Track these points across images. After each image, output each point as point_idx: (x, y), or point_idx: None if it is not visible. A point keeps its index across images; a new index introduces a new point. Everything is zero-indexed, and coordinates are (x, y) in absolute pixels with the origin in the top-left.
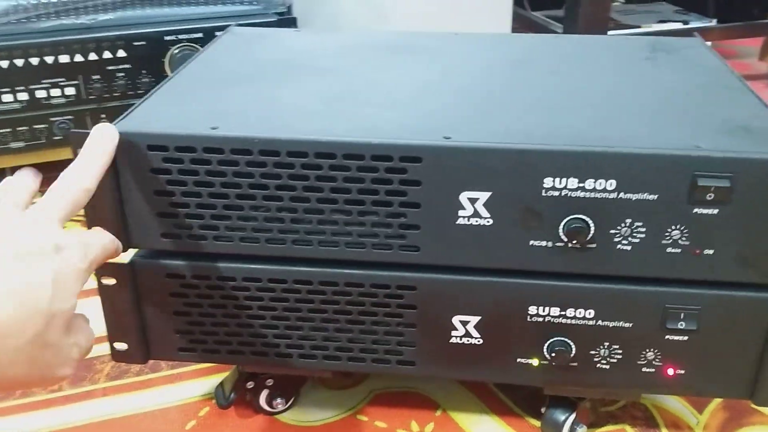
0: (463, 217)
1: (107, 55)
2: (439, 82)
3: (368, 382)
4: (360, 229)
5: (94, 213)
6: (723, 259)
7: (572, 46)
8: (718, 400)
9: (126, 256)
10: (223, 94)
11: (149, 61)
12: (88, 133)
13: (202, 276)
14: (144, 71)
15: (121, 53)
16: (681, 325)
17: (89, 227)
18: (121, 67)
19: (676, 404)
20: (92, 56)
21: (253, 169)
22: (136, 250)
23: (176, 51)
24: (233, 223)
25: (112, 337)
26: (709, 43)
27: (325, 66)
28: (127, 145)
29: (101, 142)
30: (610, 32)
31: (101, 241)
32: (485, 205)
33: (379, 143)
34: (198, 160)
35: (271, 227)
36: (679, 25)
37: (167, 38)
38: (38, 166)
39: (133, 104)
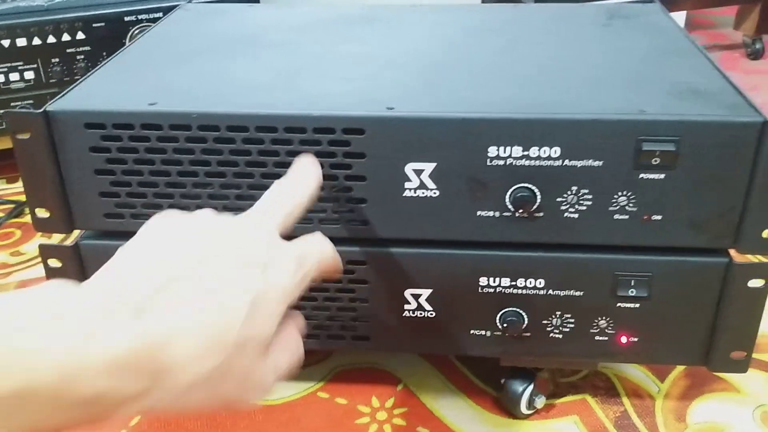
0: (410, 189)
1: (66, 37)
2: (390, 54)
3: (331, 360)
4: None
5: (35, 195)
6: (672, 224)
7: (530, 15)
8: (679, 369)
9: (70, 239)
10: (167, 71)
11: (109, 42)
12: (24, 113)
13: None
14: (105, 53)
15: (80, 35)
16: (632, 292)
17: (31, 210)
18: (80, 49)
19: (637, 373)
20: (51, 39)
21: (193, 145)
22: (80, 231)
23: (137, 31)
24: (176, 201)
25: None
26: (684, 13)
27: (277, 40)
28: (64, 124)
29: (310, 167)
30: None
31: (320, 254)
32: (431, 176)
33: (321, 115)
34: (137, 137)
35: (215, 204)
36: None
37: (127, 18)
38: (1, 153)
39: None
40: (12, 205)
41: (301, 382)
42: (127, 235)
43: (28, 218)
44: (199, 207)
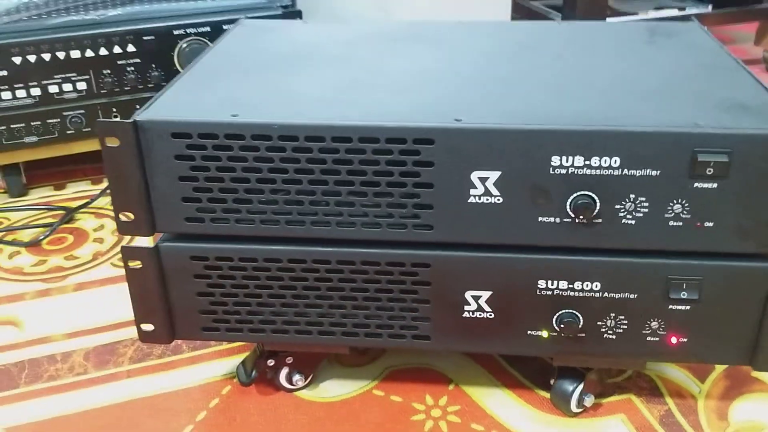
0: (474, 195)
1: (117, 50)
2: (446, 68)
3: (383, 360)
4: (376, 210)
5: (120, 199)
6: (722, 231)
7: (573, 31)
8: (719, 370)
9: (152, 240)
10: (239, 84)
11: (158, 55)
12: (115, 122)
13: (225, 258)
14: (153, 65)
15: (130, 48)
16: (683, 295)
17: (116, 214)
18: (130, 61)
19: (679, 374)
20: (102, 51)
21: (272, 154)
22: (161, 234)
23: (185, 45)
24: (254, 207)
25: (139, 319)
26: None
27: (335, 56)
28: (152, 133)
29: None
30: (608, 19)
31: None
32: (495, 184)
33: (393, 126)
34: (220, 147)
35: (290, 209)
36: (675, 12)
37: (176, 32)
38: (51, 160)
39: (143, 98)
40: (63, 212)
41: (356, 380)
42: (206, 238)
43: (78, 224)
44: (275, 212)
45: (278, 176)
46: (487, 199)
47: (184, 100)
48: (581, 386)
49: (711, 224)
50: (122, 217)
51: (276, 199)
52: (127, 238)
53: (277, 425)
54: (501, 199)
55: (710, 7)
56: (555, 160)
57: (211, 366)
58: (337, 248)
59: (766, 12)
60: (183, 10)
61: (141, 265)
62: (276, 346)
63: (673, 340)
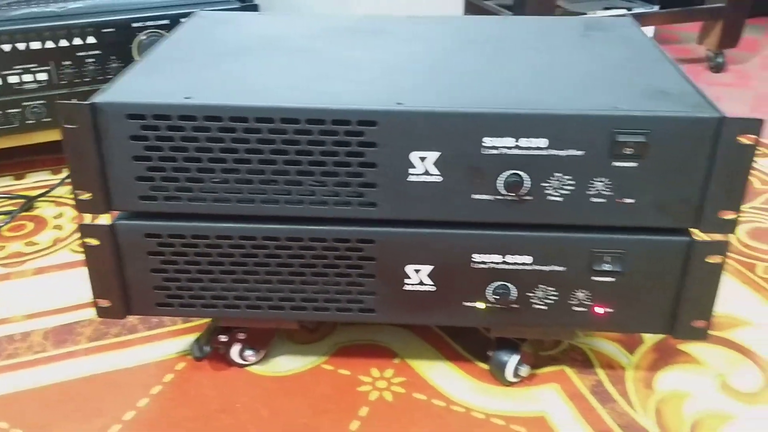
0: (415, 174)
1: (77, 41)
2: (393, 58)
3: (332, 337)
4: (323, 189)
5: (78, 178)
6: (642, 207)
7: (514, 26)
8: (648, 343)
9: (109, 218)
10: (193, 71)
11: (118, 47)
12: (73, 104)
13: (178, 235)
14: (113, 57)
15: (91, 40)
16: (606, 267)
17: (74, 191)
18: (91, 53)
19: (610, 347)
20: (63, 43)
21: (224, 135)
22: (117, 212)
23: (144, 37)
24: (206, 185)
25: (96, 295)
26: (652, 28)
27: (288, 45)
28: (109, 115)
29: None
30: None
31: None
32: (434, 163)
33: (339, 108)
34: (173, 127)
35: (241, 188)
36: (623, 11)
37: (135, 25)
38: (11, 150)
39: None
40: (23, 200)
41: (306, 356)
42: (160, 216)
43: (38, 212)
44: (226, 191)
45: (229, 156)
46: (427, 178)
47: (139, 85)
48: (517, 357)
49: (631, 201)
50: (80, 196)
51: (227, 178)
52: (86, 217)
53: (230, 397)
54: (440, 178)
55: (657, 7)
56: (487, 141)
57: (166, 344)
58: (286, 225)
59: (708, 12)
60: (142, 4)
61: (98, 243)
62: (228, 321)
63: (599, 310)
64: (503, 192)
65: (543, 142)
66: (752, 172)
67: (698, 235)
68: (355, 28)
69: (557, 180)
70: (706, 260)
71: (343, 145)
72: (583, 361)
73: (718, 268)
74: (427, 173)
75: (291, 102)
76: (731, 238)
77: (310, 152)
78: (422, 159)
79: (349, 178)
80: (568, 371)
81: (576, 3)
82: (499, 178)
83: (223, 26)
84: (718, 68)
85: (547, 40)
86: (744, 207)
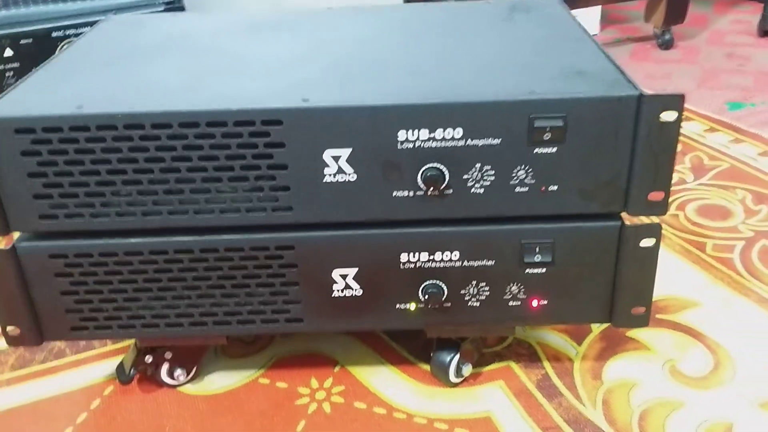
0: (329, 174)
1: None
2: (305, 53)
3: (270, 349)
4: (233, 195)
5: None
6: (567, 193)
7: (437, 13)
8: (596, 333)
9: (4, 243)
10: (92, 77)
11: (38, 58)
12: None
13: (85, 254)
14: (33, 68)
15: (8, 52)
16: (537, 258)
17: None
18: (9, 66)
19: (557, 339)
20: None
21: (120, 144)
22: (17, 234)
23: (65, 46)
24: (108, 199)
25: (3, 323)
26: (599, 8)
27: (196, 45)
28: None
29: None
30: None
31: None
32: (348, 161)
33: (240, 109)
34: (66, 140)
35: (145, 200)
36: None
37: (54, 35)
38: None
39: None
40: None
41: (242, 370)
42: (63, 235)
43: None
44: (129, 204)
45: (129, 166)
46: (342, 177)
47: (31, 96)
48: (457, 356)
49: (555, 188)
50: None
51: (129, 190)
52: None
53: (159, 421)
54: (355, 176)
55: None
56: (401, 135)
57: (94, 368)
58: (197, 237)
59: None
60: (62, 12)
61: None
62: (150, 341)
63: (534, 303)
64: (423, 187)
65: (459, 133)
66: (701, 147)
67: (629, 218)
68: (271, 23)
69: (477, 171)
70: (640, 244)
71: (249, 147)
72: (529, 355)
73: (653, 252)
74: (341, 172)
75: (189, 105)
76: (679, 216)
77: (215, 157)
78: (335, 158)
79: (260, 182)
80: (514, 366)
81: None
82: (417, 173)
83: (133, 30)
84: (666, 45)
85: (467, 26)
86: (692, 184)
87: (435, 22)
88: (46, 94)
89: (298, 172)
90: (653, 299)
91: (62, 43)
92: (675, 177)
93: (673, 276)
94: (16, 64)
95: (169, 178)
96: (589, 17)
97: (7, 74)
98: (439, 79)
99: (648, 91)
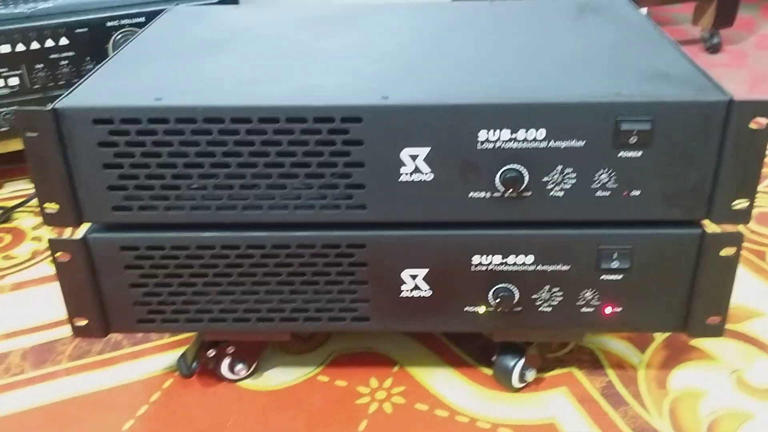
0: (405, 173)
1: (50, 43)
2: (376, 48)
3: (327, 346)
4: (308, 192)
5: (45, 190)
6: (649, 199)
7: (503, 11)
8: (659, 340)
9: (79, 231)
10: (165, 69)
11: (92, 47)
12: (33, 110)
13: (156, 247)
14: (88, 58)
15: (63, 41)
16: (615, 264)
17: (40, 204)
18: (64, 55)
19: (619, 346)
20: (34, 45)
21: (199, 137)
22: (89, 224)
23: (119, 36)
24: (183, 192)
25: (71, 313)
26: (645, 9)
27: (264, 39)
28: (73, 120)
29: None
30: None
31: None
32: (425, 160)
33: (320, 105)
34: (144, 131)
35: (220, 194)
36: None
37: (109, 24)
38: None
39: None
40: (0, 211)
41: (300, 367)
42: (135, 227)
43: (16, 223)
44: (205, 198)
45: (206, 160)
46: (418, 177)
47: (107, 86)
48: (522, 361)
49: (638, 193)
50: (47, 209)
51: (205, 184)
52: (56, 229)
53: (219, 415)
54: (432, 176)
55: None
56: (482, 135)
57: (152, 360)
58: (271, 232)
59: None
60: (116, 1)
61: (70, 258)
62: (215, 335)
63: (608, 310)
64: (501, 189)
65: (541, 134)
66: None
67: (710, 226)
68: (333, 17)
69: (558, 173)
70: (720, 253)
71: (327, 144)
72: (591, 361)
73: (732, 261)
74: (418, 171)
75: (269, 100)
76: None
77: (293, 153)
78: (413, 157)
79: (336, 179)
80: (577, 373)
81: None
82: (496, 174)
83: (197, 21)
84: (714, 49)
85: (539, 24)
86: None
87: (503, 19)
88: (122, 84)
89: (374, 170)
90: None
91: (116, 33)
92: None
93: (736, 285)
94: (71, 53)
95: (246, 173)
96: None
97: (61, 63)
98: (520, 78)
99: (739, 97)
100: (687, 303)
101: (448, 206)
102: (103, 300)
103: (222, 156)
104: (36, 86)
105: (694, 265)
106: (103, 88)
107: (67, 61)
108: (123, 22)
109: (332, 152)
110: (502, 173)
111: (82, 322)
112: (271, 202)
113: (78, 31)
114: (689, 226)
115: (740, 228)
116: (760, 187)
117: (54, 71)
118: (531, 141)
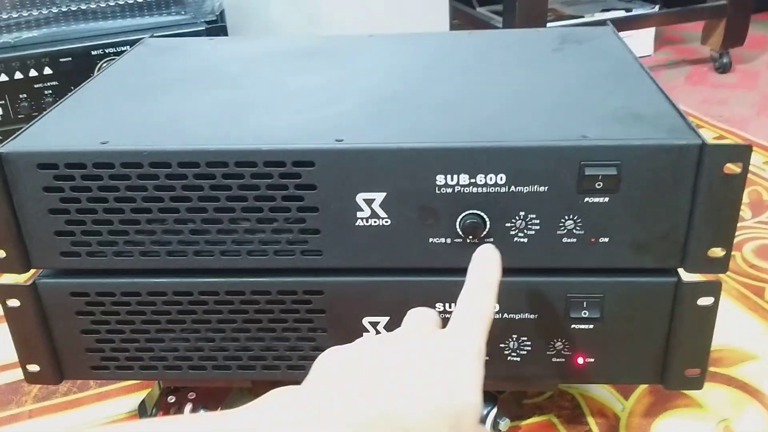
0: (362, 218)
1: (33, 73)
2: (341, 85)
3: None
4: (261, 237)
5: None
6: (618, 246)
7: (484, 42)
8: (643, 386)
9: (29, 277)
10: (121, 107)
11: (77, 76)
12: None
13: (106, 293)
14: (72, 87)
15: (47, 71)
16: (585, 313)
17: None
18: (48, 84)
19: (602, 392)
20: (18, 75)
21: (145, 182)
22: (37, 271)
23: (104, 65)
24: (132, 238)
25: (22, 360)
26: (652, 30)
27: (231, 75)
28: (17, 165)
29: (490, 264)
30: (550, 24)
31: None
32: (381, 205)
33: (270, 149)
34: (89, 176)
35: (170, 240)
36: (621, 13)
37: (94, 53)
38: None
39: None
40: None
41: None
42: (84, 272)
43: None
44: (153, 243)
45: (153, 205)
46: (375, 222)
47: (55, 129)
48: (495, 410)
49: (606, 240)
50: None
51: (154, 229)
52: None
53: None
54: (389, 221)
55: (657, 7)
56: (440, 179)
57: (117, 402)
58: (224, 278)
59: (711, 11)
60: (101, 30)
61: (19, 304)
62: (172, 382)
63: (580, 360)
64: (462, 234)
65: (501, 179)
66: (760, 181)
67: (687, 274)
68: (310, 51)
69: (521, 219)
70: (697, 303)
71: (278, 188)
72: (572, 408)
73: (711, 311)
74: (375, 216)
75: (217, 143)
76: (736, 257)
77: (243, 198)
78: (368, 201)
79: (289, 224)
80: (555, 421)
81: (572, 5)
82: (456, 220)
83: (168, 55)
84: (723, 69)
85: (515, 58)
86: (750, 222)
87: (483, 52)
88: (72, 126)
89: (329, 215)
90: None
91: (101, 62)
92: None
93: (728, 324)
94: (54, 83)
95: (195, 218)
96: (643, 37)
97: (45, 92)
98: (483, 119)
99: (711, 141)
100: (663, 354)
101: (408, 252)
102: (55, 346)
103: (170, 201)
104: (20, 116)
105: (670, 314)
106: (51, 131)
107: (51, 91)
108: (108, 50)
109: (284, 197)
110: (462, 218)
111: (35, 369)
112: (223, 247)
113: (62, 60)
114: (663, 274)
115: (720, 278)
116: (763, 218)
117: (38, 101)
118: (491, 186)
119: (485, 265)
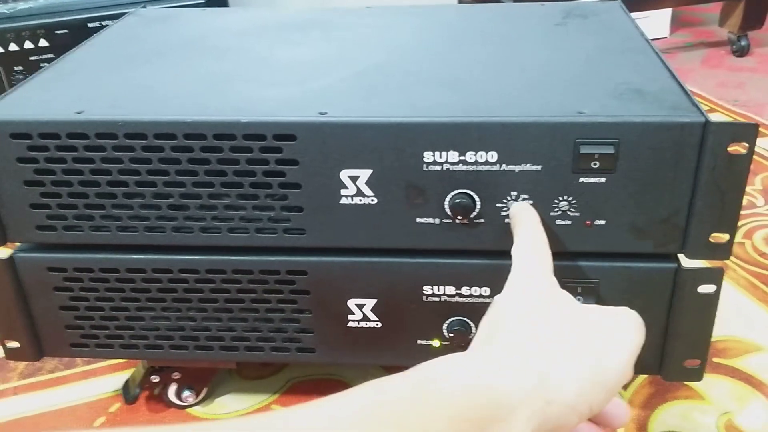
0: (346, 196)
1: (29, 44)
2: (332, 58)
3: (286, 371)
4: (242, 214)
5: None
6: (615, 229)
7: (486, 16)
8: (642, 376)
9: (5, 252)
10: (100, 78)
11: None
12: None
13: (84, 268)
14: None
15: (43, 42)
16: (579, 299)
17: None
18: (43, 56)
19: None
20: (13, 47)
21: (121, 154)
22: (16, 244)
23: None
24: (108, 212)
25: (2, 336)
26: (669, 11)
27: (217, 45)
28: None
29: (531, 213)
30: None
31: None
32: (367, 183)
33: (250, 121)
34: (64, 147)
35: (148, 215)
36: None
37: (91, 25)
38: None
39: None
40: None
41: (256, 394)
42: (62, 247)
43: None
44: (131, 218)
45: (130, 178)
46: (360, 200)
47: (32, 99)
48: None
49: (602, 222)
50: None
51: (131, 203)
52: None
53: None
54: (375, 200)
55: None
56: (428, 156)
57: (103, 381)
58: (204, 256)
59: None
60: (98, 2)
61: None
62: (154, 362)
63: None
64: (451, 215)
65: (492, 156)
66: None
67: (687, 260)
68: (306, 23)
69: (513, 200)
70: (698, 290)
71: (259, 163)
72: None
73: (712, 299)
74: (360, 194)
75: (195, 114)
76: (746, 245)
77: (223, 172)
78: (353, 178)
79: (271, 201)
80: None
81: None
82: (445, 199)
83: (156, 26)
84: (741, 52)
85: (517, 31)
86: (762, 208)
87: (483, 25)
88: (49, 96)
89: (312, 192)
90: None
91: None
92: (743, 200)
93: (735, 314)
94: (50, 55)
95: (173, 193)
96: (659, 19)
97: (41, 65)
98: (474, 94)
99: (715, 118)
100: (662, 344)
101: (395, 232)
102: (34, 323)
103: (147, 174)
104: None
105: (669, 302)
106: (27, 100)
107: (46, 63)
108: (104, 23)
109: (265, 172)
110: (451, 198)
111: (14, 345)
112: (203, 224)
113: (58, 32)
114: (662, 259)
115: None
116: None
117: (33, 73)
118: (482, 164)
119: (528, 214)
